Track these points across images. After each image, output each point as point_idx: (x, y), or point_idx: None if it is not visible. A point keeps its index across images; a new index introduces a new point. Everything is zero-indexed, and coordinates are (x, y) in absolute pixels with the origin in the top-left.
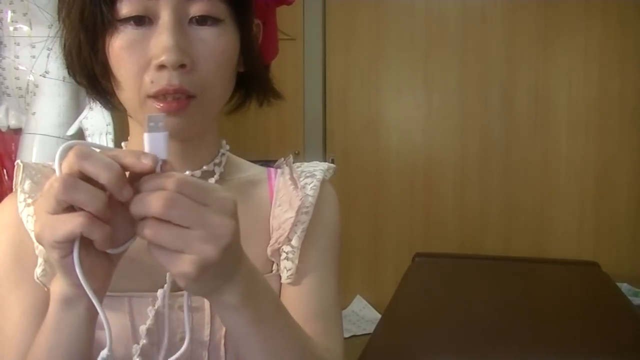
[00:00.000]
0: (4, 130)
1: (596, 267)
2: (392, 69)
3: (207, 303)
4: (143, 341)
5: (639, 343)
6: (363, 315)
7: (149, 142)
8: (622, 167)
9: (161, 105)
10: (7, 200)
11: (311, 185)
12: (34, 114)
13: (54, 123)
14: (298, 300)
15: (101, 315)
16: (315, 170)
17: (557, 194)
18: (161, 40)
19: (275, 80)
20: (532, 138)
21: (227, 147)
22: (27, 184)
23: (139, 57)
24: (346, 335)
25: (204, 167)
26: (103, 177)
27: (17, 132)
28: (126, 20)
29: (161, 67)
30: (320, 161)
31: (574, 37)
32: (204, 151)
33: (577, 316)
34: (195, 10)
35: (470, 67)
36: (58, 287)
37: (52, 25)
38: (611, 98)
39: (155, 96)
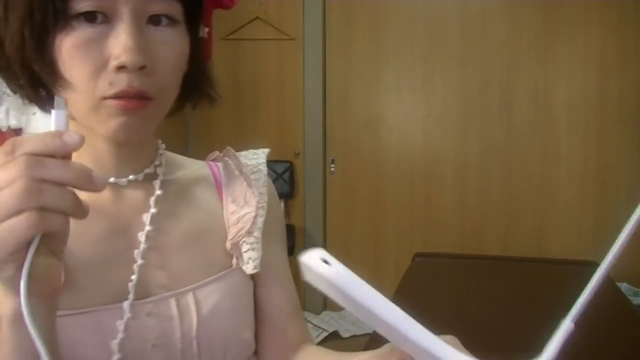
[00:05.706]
0: (4, 130)
1: (596, 267)
2: (392, 69)
3: (174, 309)
4: (117, 355)
5: (639, 343)
6: None
7: (56, 120)
8: (622, 167)
9: (121, 102)
10: None
11: (261, 182)
12: (34, 114)
13: None
14: (282, 297)
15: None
16: (259, 165)
17: (557, 194)
18: (121, 40)
19: (215, 82)
20: (532, 138)
21: (164, 145)
22: None
23: (94, 57)
24: (346, 335)
25: (146, 170)
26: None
27: (17, 132)
28: (79, 16)
29: (121, 68)
30: (320, 161)
31: (574, 37)
32: (145, 153)
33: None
34: (154, 9)
35: (470, 67)
36: (9, 305)
37: None
38: (611, 98)
39: (113, 97)
